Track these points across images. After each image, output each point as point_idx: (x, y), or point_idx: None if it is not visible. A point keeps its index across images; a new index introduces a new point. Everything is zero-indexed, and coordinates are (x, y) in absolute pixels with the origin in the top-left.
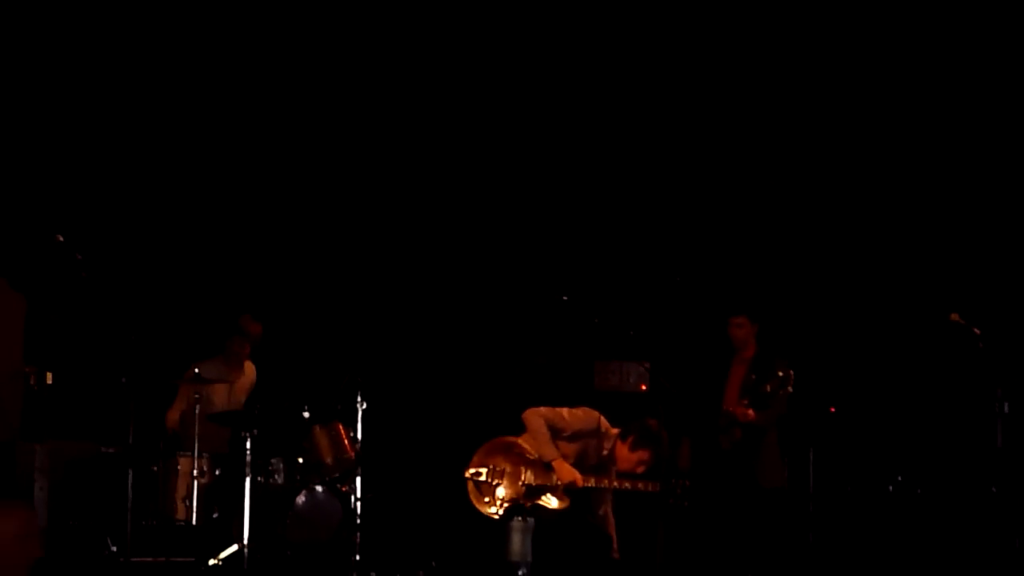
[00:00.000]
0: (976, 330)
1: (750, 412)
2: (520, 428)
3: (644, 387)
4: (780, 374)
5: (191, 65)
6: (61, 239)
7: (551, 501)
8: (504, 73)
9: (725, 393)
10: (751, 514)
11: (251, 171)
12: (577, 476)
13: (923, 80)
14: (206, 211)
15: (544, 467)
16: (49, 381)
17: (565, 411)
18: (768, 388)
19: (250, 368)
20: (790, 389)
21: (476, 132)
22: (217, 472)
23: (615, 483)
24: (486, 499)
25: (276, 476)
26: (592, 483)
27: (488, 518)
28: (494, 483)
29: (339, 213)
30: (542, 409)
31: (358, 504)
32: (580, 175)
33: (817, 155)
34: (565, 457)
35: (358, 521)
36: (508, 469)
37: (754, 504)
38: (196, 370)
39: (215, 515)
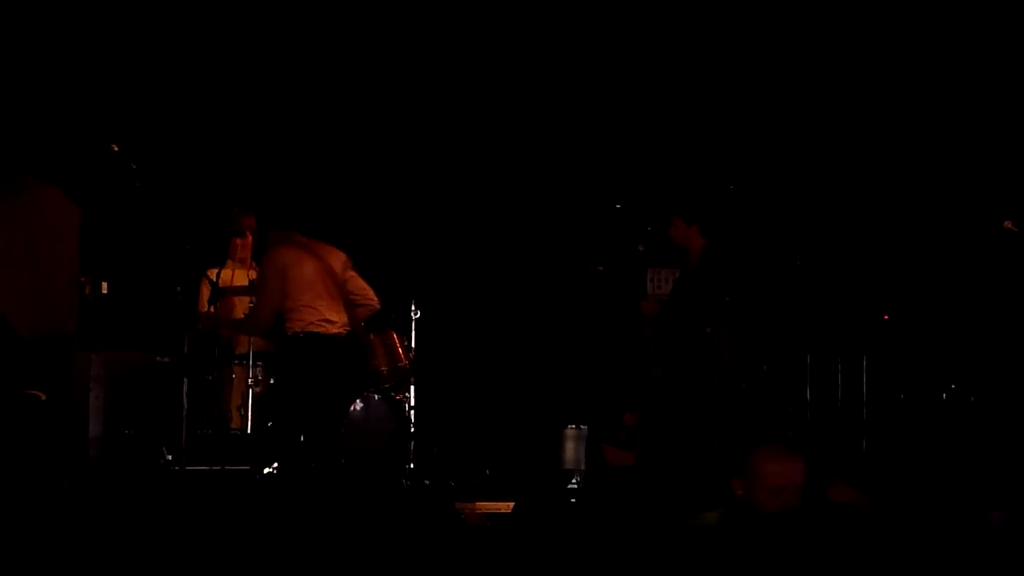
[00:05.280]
0: None
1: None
2: None
3: None
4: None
5: None
6: (116, 149)
7: None
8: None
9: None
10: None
11: (305, 82)
12: None
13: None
14: (262, 120)
15: None
16: (104, 291)
17: None
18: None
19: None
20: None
21: (529, 50)
22: (271, 381)
23: None
24: None
25: None
26: None
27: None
28: None
29: (392, 126)
30: None
31: (412, 413)
32: (632, 85)
33: (871, 66)
34: None
35: (412, 430)
36: None
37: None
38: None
39: (269, 424)
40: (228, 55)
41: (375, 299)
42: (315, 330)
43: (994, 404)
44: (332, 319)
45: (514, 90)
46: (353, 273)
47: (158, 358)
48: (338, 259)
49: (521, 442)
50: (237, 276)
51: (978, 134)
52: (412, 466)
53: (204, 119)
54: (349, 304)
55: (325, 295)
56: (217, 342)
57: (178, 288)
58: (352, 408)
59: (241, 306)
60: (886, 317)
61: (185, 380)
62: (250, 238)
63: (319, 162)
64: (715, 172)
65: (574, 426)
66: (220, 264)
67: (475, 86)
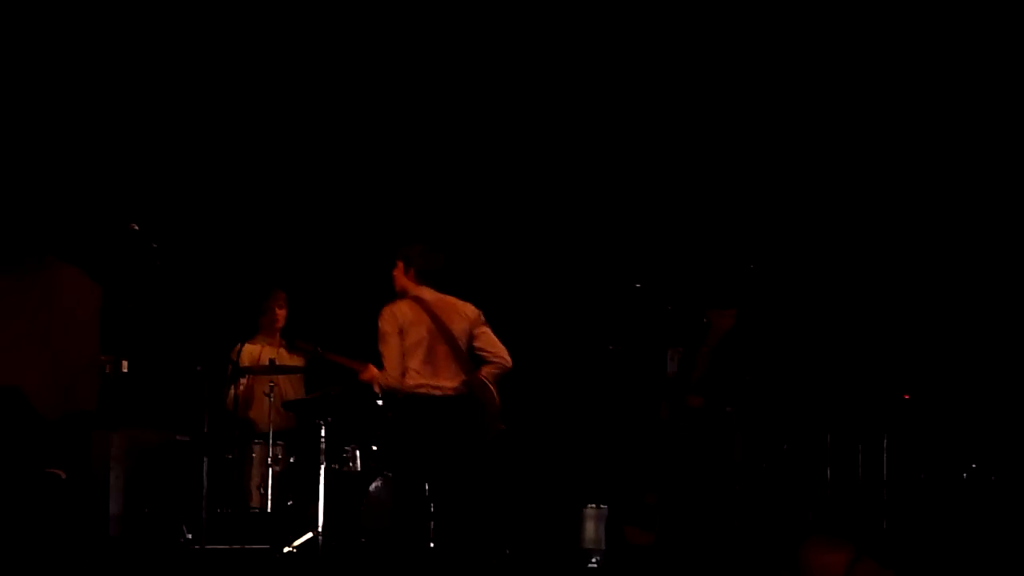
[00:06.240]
0: None
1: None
2: None
3: None
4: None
5: (255, 59)
6: (136, 228)
7: None
8: (572, 56)
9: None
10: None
11: (331, 150)
12: None
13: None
14: (283, 198)
15: None
16: (125, 369)
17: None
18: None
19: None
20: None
21: (549, 112)
22: (292, 460)
23: None
24: None
25: (351, 463)
26: None
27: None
28: None
29: (406, 199)
30: None
31: (430, 490)
32: (653, 160)
33: (880, 136)
34: None
35: (431, 508)
36: None
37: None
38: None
39: (289, 503)
40: (248, 135)
41: (506, 357)
42: (422, 392)
43: (1016, 484)
44: (440, 384)
45: (534, 156)
46: (485, 329)
47: (178, 437)
48: (465, 318)
49: (541, 521)
50: (266, 351)
51: (991, 210)
52: (432, 545)
53: (223, 198)
54: (477, 361)
55: (433, 359)
56: (237, 421)
57: (198, 367)
58: (372, 486)
59: (259, 386)
60: (907, 397)
61: (205, 459)
62: (285, 311)
63: (327, 234)
64: (735, 251)
65: (594, 505)
66: (243, 340)
67: (495, 161)
